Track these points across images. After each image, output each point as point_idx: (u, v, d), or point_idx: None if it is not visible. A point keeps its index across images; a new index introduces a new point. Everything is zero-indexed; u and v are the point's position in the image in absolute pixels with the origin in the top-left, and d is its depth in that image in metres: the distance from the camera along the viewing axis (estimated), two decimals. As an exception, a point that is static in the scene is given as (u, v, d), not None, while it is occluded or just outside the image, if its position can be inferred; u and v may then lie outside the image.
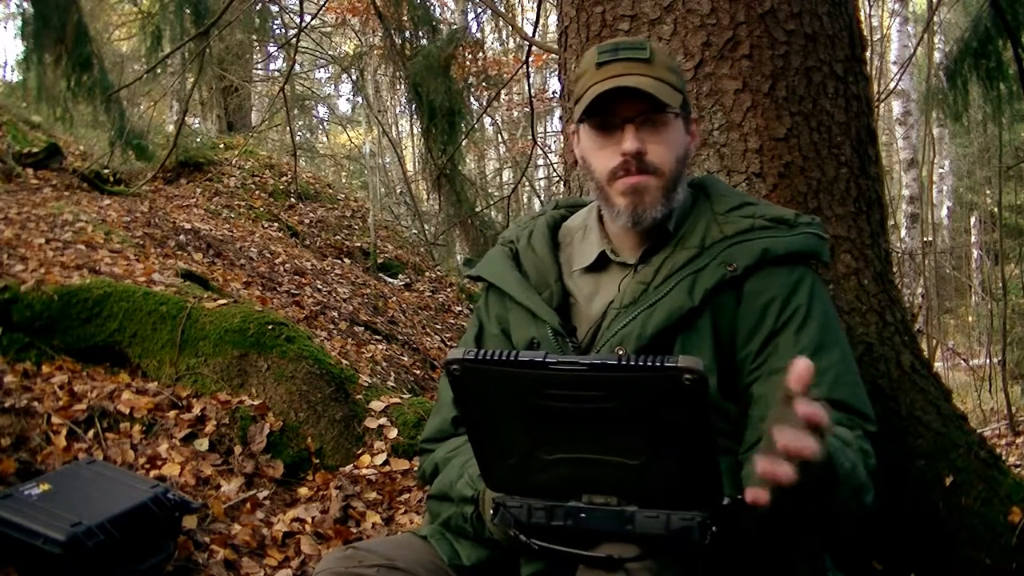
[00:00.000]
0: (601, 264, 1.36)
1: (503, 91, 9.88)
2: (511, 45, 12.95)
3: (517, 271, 1.39)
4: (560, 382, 0.94)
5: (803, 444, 0.89)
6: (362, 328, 5.42)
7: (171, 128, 8.64)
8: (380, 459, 2.92)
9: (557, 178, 10.64)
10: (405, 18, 6.84)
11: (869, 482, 1.14)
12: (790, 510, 0.98)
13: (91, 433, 2.69)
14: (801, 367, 0.90)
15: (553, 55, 7.46)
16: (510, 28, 11.17)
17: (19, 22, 6.71)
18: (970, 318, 11.00)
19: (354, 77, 10.02)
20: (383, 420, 3.04)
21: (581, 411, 0.95)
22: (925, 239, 8.41)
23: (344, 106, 16.10)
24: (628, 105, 1.27)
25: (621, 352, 1.24)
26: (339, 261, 7.40)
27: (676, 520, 0.99)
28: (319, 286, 5.89)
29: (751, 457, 1.15)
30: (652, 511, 1.00)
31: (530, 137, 7.18)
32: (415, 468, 2.74)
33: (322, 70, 14.12)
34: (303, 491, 2.78)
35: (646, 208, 1.28)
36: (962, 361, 8.46)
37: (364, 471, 2.87)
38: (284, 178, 8.83)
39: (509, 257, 1.42)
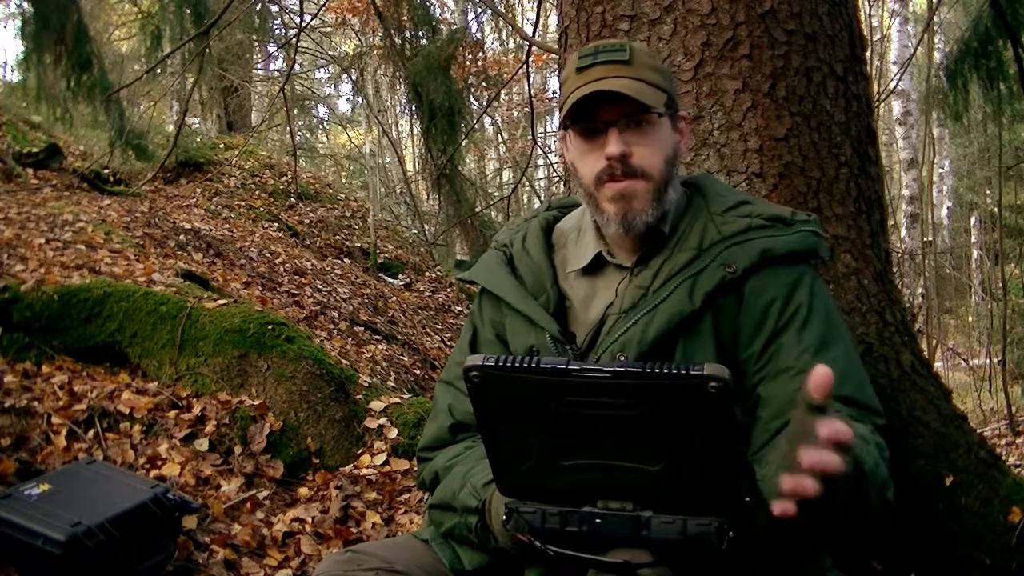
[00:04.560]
0: (597, 266, 1.34)
1: (503, 91, 9.88)
2: (511, 45, 12.94)
3: (512, 276, 1.36)
4: (583, 389, 0.94)
5: (827, 460, 0.88)
6: (362, 328, 5.42)
7: (171, 128, 8.65)
8: (380, 459, 2.92)
9: (557, 178, 10.64)
10: (405, 18, 6.83)
11: (889, 476, 1.15)
12: (822, 517, 0.98)
13: (91, 433, 2.69)
14: (820, 375, 0.88)
15: (553, 55, 7.45)
16: (510, 28, 11.17)
17: (19, 22, 6.72)
18: (970, 318, 11.01)
19: (354, 77, 10.02)
20: (383, 420, 3.04)
21: (602, 418, 0.95)
22: (925, 239, 8.41)
23: (344, 106, 16.10)
24: (609, 109, 1.24)
25: (623, 359, 1.23)
26: (339, 261, 7.40)
27: (693, 525, 0.98)
28: (319, 286, 5.89)
29: (762, 459, 1.16)
30: (668, 516, 0.99)
31: (530, 137, 7.18)
32: (415, 469, 2.74)
33: (322, 70, 14.12)
34: (303, 491, 2.78)
35: (635, 214, 1.26)
36: (962, 361, 8.46)
37: (364, 471, 2.87)
38: (284, 178, 8.83)
39: (504, 262, 1.39)
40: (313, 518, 2.60)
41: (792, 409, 0.97)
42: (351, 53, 10.58)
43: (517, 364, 0.96)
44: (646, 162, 1.26)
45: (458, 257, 9.44)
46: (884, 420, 1.24)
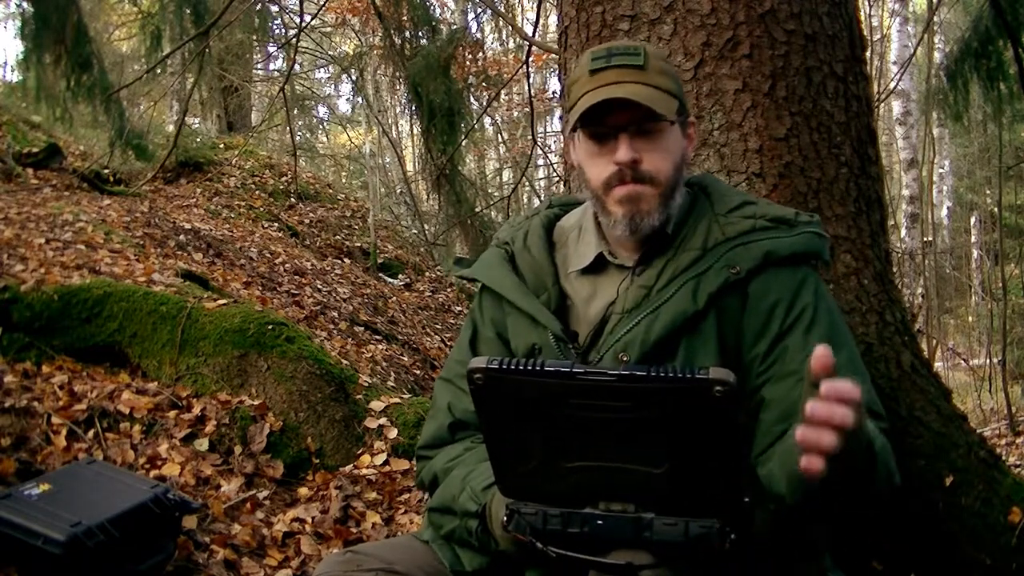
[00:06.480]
0: (599, 266, 1.34)
1: (503, 91, 9.87)
2: (511, 45, 12.93)
3: (514, 274, 1.36)
4: (588, 392, 0.94)
5: (836, 413, 0.89)
6: (362, 328, 5.42)
7: (171, 128, 8.65)
8: (380, 459, 2.92)
9: (557, 178, 10.64)
10: (405, 18, 6.84)
11: (895, 466, 1.16)
12: (838, 488, 0.98)
13: (91, 433, 2.69)
14: (820, 355, 0.91)
15: (553, 55, 7.45)
16: (510, 28, 11.17)
17: (19, 22, 6.72)
18: (970, 318, 11.01)
19: (354, 77, 10.02)
20: (383, 420, 3.04)
21: (606, 420, 0.95)
22: (925, 239, 8.41)
23: (344, 106, 16.09)
24: (621, 114, 1.24)
25: (626, 359, 1.23)
26: (339, 261, 7.40)
27: (695, 527, 0.98)
28: (319, 286, 5.89)
29: (765, 461, 1.15)
30: (670, 518, 0.99)
31: (530, 137, 7.18)
32: (414, 468, 2.74)
33: (322, 70, 14.12)
34: (303, 491, 2.78)
35: (643, 216, 1.26)
36: (962, 361, 8.46)
37: (364, 471, 2.87)
38: (284, 178, 8.83)
39: (505, 259, 1.39)
40: (313, 518, 2.60)
41: (795, 414, 0.97)
42: (351, 53, 10.58)
43: (521, 367, 0.96)
44: (655, 168, 1.25)
45: (457, 255, 9.43)
46: (887, 424, 1.24)
